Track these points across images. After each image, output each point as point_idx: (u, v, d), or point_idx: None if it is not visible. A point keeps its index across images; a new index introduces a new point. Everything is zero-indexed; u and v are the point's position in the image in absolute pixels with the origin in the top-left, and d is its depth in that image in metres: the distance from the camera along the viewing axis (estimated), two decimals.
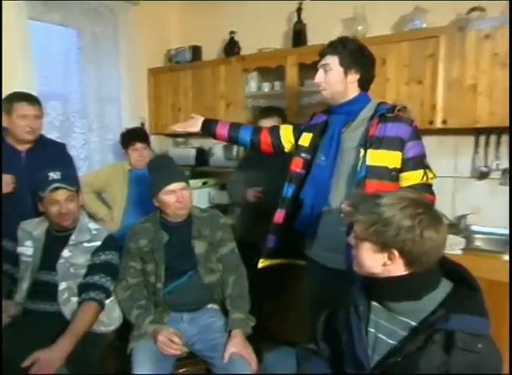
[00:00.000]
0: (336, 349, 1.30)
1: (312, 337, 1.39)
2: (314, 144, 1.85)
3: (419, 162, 1.69)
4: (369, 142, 1.65)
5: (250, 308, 1.94)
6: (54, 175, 1.83)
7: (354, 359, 1.18)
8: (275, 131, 2.01)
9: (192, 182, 3.40)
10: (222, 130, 2.03)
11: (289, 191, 1.89)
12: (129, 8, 3.35)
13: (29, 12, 2.75)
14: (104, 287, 1.85)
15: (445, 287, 1.12)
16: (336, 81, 1.74)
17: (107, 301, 1.90)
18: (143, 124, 3.53)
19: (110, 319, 1.91)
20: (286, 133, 1.99)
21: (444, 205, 2.61)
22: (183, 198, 1.91)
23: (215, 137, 2.08)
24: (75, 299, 1.83)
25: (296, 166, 1.88)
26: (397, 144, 1.65)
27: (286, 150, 2.02)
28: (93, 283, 1.84)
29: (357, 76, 1.76)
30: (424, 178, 1.69)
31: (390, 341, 1.14)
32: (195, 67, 3.39)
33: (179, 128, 2.12)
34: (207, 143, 3.69)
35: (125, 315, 1.92)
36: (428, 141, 2.67)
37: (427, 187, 1.70)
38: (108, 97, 3.28)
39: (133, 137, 2.73)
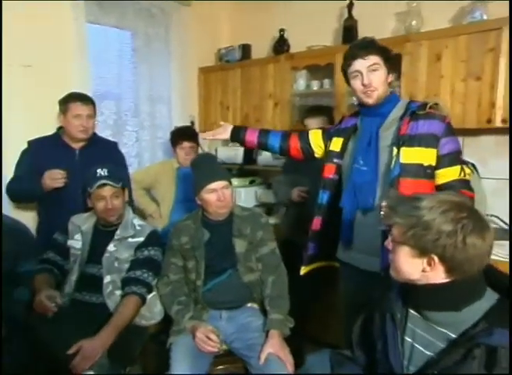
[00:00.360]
0: (371, 356, 1.24)
1: (347, 342, 1.35)
2: (346, 148, 1.82)
3: (455, 158, 1.64)
4: (401, 140, 1.62)
5: (290, 309, 1.92)
6: (101, 171, 1.90)
7: (388, 369, 1.12)
8: (304, 136, 1.99)
9: (239, 180, 3.45)
10: (251, 136, 2.02)
11: (324, 197, 1.87)
12: (181, 9, 3.41)
13: (86, 16, 2.89)
14: (145, 282, 1.89)
15: (489, 298, 1.04)
16: (383, 81, 1.70)
17: (149, 296, 1.94)
18: (192, 123, 3.59)
19: (152, 313, 1.96)
20: (316, 138, 1.96)
21: (502, 210, 2.44)
22: (224, 196, 1.91)
23: (244, 144, 2.08)
24: (119, 292, 1.89)
25: (329, 172, 1.86)
26: (431, 140, 1.61)
27: (317, 155, 1.99)
28: (135, 277, 1.88)
29: (393, 77, 1.76)
30: (462, 174, 1.63)
31: (427, 353, 1.07)
32: (244, 66, 3.40)
33: (208, 136, 2.13)
34: None
35: (166, 310, 1.96)
36: (485, 142, 2.56)
37: (465, 183, 1.65)
38: (159, 96, 3.36)
39: (181, 135, 2.78)
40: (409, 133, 1.62)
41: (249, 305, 1.99)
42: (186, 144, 2.75)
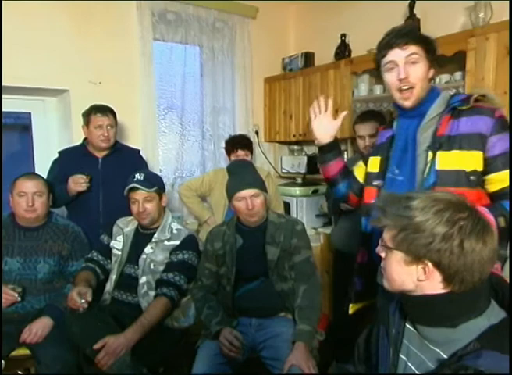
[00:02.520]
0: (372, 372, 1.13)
1: (352, 355, 1.24)
2: (386, 166, 1.56)
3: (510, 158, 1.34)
4: (438, 143, 1.38)
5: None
6: (138, 176, 1.99)
7: None
8: (353, 180, 1.73)
9: (302, 190, 3.41)
10: (338, 165, 1.72)
11: (367, 225, 1.60)
12: (245, 22, 3.49)
13: (153, 34, 3.08)
14: (177, 285, 1.93)
15: (491, 316, 0.89)
16: (423, 76, 1.43)
17: (184, 299, 1.98)
18: (257, 132, 3.63)
19: (186, 316, 1.99)
20: (361, 173, 1.71)
21: None
22: (253, 205, 1.88)
23: (324, 167, 1.75)
24: (153, 293, 1.94)
25: (370, 196, 1.59)
26: (475, 141, 1.34)
27: None
28: (167, 280, 1.93)
29: (434, 72, 1.48)
30: None
31: (418, 373, 0.95)
32: (306, 74, 3.37)
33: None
34: None
35: (198, 314, 1.98)
36: None
37: None
38: (223, 107, 3.46)
39: (234, 144, 2.82)
40: (448, 133, 1.37)
41: (282, 314, 1.93)
42: (240, 152, 2.77)
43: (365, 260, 1.65)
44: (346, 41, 3.16)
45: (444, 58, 2.48)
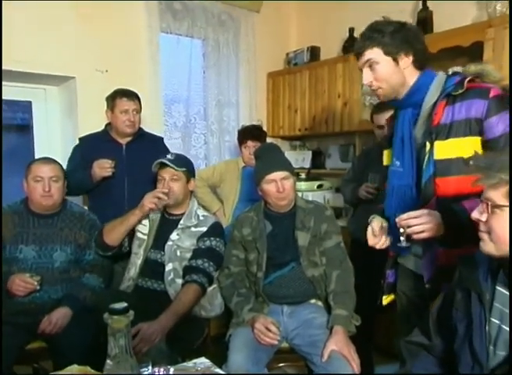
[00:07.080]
0: (448, 346, 1.09)
1: (422, 329, 1.20)
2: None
3: None
4: (435, 132, 1.36)
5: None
6: (169, 156, 1.94)
7: (470, 356, 0.98)
8: None
9: (307, 185, 3.38)
10: None
11: None
12: (249, 15, 3.47)
13: (160, 24, 3.01)
14: (206, 272, 1.86)
15: None
16: (388, 74, 1.42)
17: (210, 288, 1.91)
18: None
19: (212, 305, 1.93)
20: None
21: None
22: (284, 187, 1.83)
23: None
24: (180, 281, 1.87)
25: None
26: (471, 126, 1.32)
27: None
28: (196, 266, 1.86)
29: (411, 58, 1.42)
30: None
31: None
32: (312, 67, 3.36)
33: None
34: (323, 145, 3.62)
35: (226, 302, 1.91)
36: None
37: None
38: (227, 100, 3.41)
39: (246, 134, 2.77)
40: (443, 122, 1.36)
41: (312, 301, 1.89)
42: (250, 143, 2.71)
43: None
44: (355, 34, 3.16)
45: (456, 50, 2.51)
